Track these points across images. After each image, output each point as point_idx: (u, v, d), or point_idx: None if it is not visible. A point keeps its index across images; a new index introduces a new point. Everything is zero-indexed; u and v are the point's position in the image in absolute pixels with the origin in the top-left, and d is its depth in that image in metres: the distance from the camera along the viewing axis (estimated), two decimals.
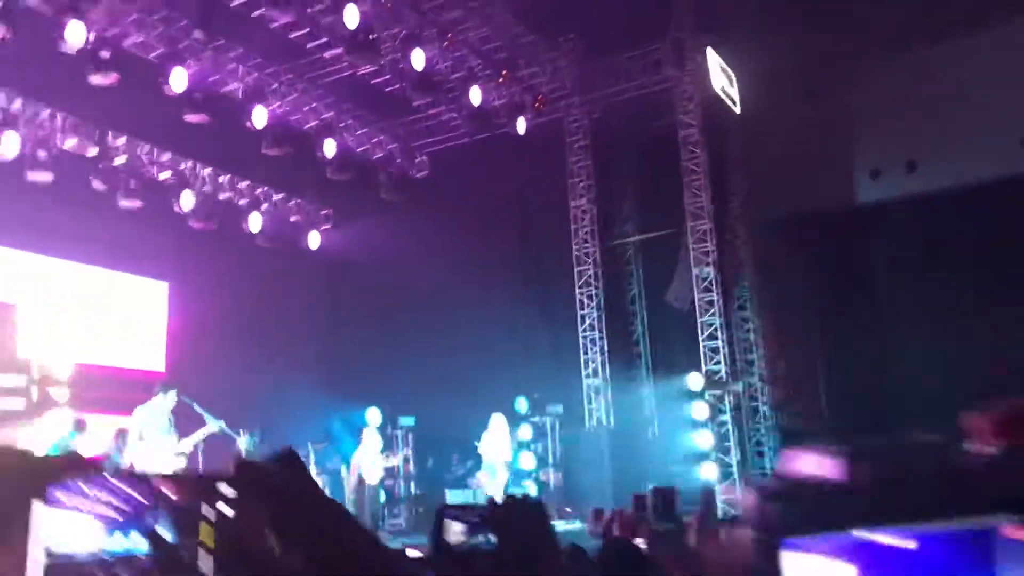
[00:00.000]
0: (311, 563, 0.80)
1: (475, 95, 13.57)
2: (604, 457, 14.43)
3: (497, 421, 12.62)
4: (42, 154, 12.35)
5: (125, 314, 14.99)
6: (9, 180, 12.11)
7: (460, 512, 1.49)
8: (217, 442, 10.30)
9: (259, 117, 12.71)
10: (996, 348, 13.62)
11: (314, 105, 13.96)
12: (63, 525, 0.77)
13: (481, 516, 1.45)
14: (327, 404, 15.12)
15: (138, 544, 0.79)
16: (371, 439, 12.88)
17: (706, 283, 14.84)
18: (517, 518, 1.40)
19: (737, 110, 15.51)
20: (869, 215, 15.90)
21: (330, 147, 14.18)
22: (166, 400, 9.19)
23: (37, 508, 0.75)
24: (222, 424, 9.84)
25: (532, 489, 14.65)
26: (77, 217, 13.58)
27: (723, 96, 15.11)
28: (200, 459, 10.14)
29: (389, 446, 14.39)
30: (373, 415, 15.15)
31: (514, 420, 14.75)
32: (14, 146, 11.94)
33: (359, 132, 15.01)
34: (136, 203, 13.41)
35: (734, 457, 14.42)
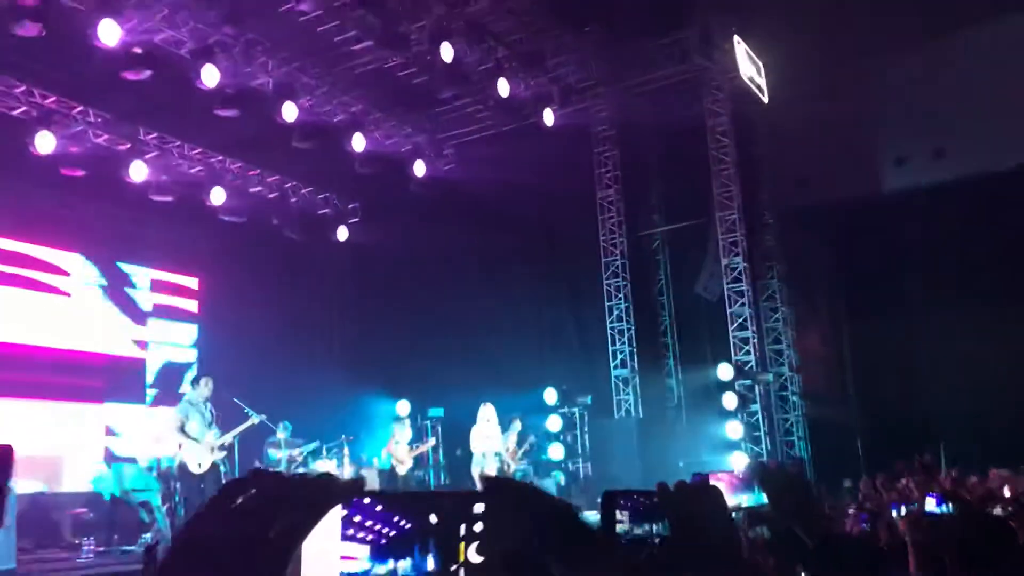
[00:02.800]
0: (573, 569, 0.82)
1: (503, 87, 13.57)
2: (633, 447, 14.46)
3: (486, 412, 12.36)
4: (75, 150, 12.48)
5: (156, 309, 15.12)
6: (44, 176, 12.24)
7: (627, 498, 1.44)
8: (256, 434, 10.39)
9: (289, 112, 12.77)
10: (1022, 335, 13.55)
11: (343, 99, 14.00)
12: (330, 552, 0.79)
13: (651, 502, 1.41)
14: (357, 396, 15.21)
15: (402, 568, 0.80)
16: (401, 430, 12.95)
17: (735, 273, 14.80)
18: (692, 504, 1.32)
19: (765, 99, 15.45)
20: (896, 203, 15.82)
21: (358, 141, 14.22)
22: (204, 390, 9.25)
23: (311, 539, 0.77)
24: (263, 417, 9.92)
25: (561, 480, 14.70)
26: (108, 212, 13.72)
27: (751, 85, 15.05)
28: (236, 451, 10.24)
29: (418, 437, 14.45)
30: (403, 407, 15.25)
31: (543, 411, 14.79)
32: (49, 143, 12.06)
33: (387, 125, 15.04)
34: (167, 198, 13.52)
35: (764, 447, 14.40)
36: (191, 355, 15.28)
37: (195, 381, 9.44)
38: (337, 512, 0.78)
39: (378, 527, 0.78)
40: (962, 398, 14.00)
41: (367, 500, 0.79)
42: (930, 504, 5.50)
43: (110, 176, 12.86)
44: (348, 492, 0.79)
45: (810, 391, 15.67)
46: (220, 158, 14.46)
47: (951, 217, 14.81)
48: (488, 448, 12.16)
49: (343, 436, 12.76)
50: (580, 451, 15.26)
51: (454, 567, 0.78)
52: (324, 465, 12.29)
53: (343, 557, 0.79)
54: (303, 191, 15.93)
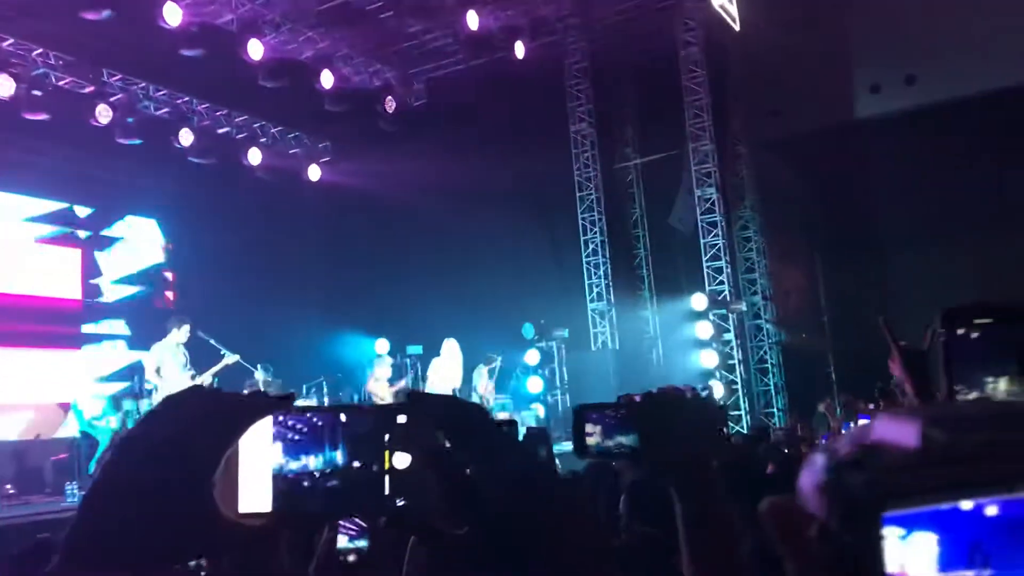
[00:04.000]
0: (482, 464, 0.86)
1: (472, 20, 13.38)
2: (610, 379, 14.63)
3: (449, 347, 12.19)
4: (37, 93, 12.24)
5: (127, 251, 15.02)
6: (6, 120, 12.02)
7: (597, 411, 1.47)
8: (234, 376, 10.42)
9: (255, 49, 12.54)
10: (996, 263, 13.73)
11: (309, 35, 13.76)
12: (256, 451, 0.84)
13: (619, 415, 1.44)
14: (335, 335, 15.27)
15: (312, 463, 0.85)
16: (381, 368, 13.02)
17: (708, 204, 14.85)
18: (659, 415, 1.35)
19: (736, 28, 15.32)
20: (869, 131, 15.85)
21: (327, 78, 14.01)
22: (180, 334, 9.25)
23: (242, 442, 0.83)
24: (238, 357, 9.94)
25: (540, 412, 14.90)
26: (73, 157, 13.51)
27: (722, 13, 14.90)
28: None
29: (398, 375, 14.56)
30: (382, 345, 15.30)
31: (521, 345, 14.91)
32: (9, 87, 11.81)
33: (355, 62, 14.82)
34: (134, 141, 13.32)
35: (739, 375, 14.63)
36: (165, 298, 15.23)
37: (171, 325, 9.43)
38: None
39: (295, 426, 0.83)
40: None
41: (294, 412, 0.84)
42: None
43: (74, 120, 12.63)
44: (277, 405, 0.83)
45: (783, 319, 15.88)
46: (186, 99, 14.23)
47: (924, 143, 14.87)
48: (444, 385, 11.94)
49: (323, 376, 12.84)
50: (558, 384, 15.45)
51: (376, 468, 0.83)
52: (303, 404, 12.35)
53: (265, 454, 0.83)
54: (272, 131, 15.74)
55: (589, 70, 15.72)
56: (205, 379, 9.48)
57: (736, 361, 14.72)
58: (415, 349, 15.32)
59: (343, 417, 0.85)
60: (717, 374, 14.53)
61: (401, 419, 0.85)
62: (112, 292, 14.79)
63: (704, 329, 14.71)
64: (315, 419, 0.84)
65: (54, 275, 13.93)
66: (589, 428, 1.45)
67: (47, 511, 8.53)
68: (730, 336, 14.78)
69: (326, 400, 12.51)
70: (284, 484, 0.83)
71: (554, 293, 15.92)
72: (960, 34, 14.88)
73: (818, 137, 15.81)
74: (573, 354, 15.47)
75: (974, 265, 13.85)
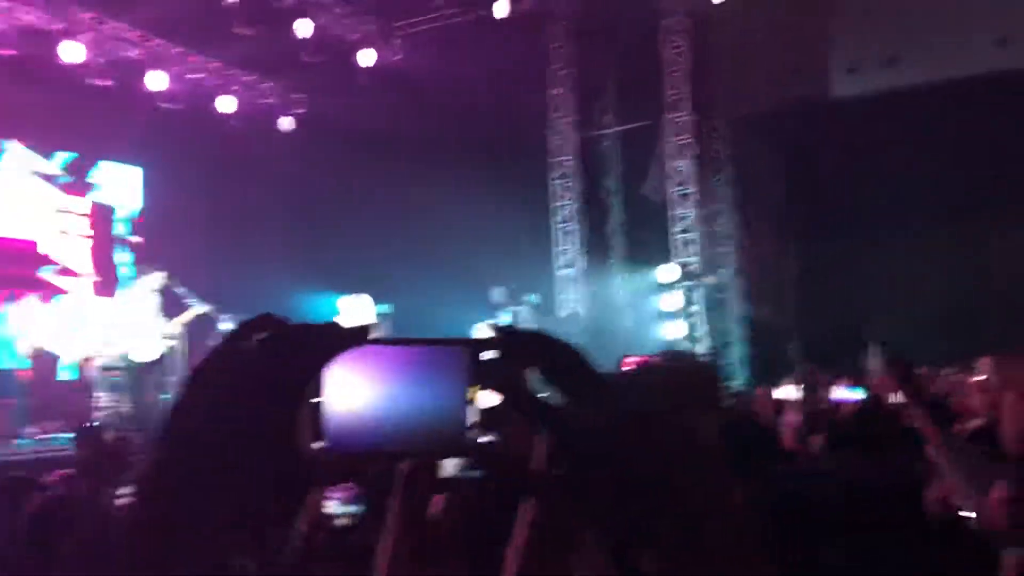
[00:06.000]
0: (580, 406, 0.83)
1: None
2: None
3: (360, 302, 12.02)
4: (2, 27, 11.87)
5: (96, 198, 14.69)
6: None
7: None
8: (202, 328, 10.31)
9: None
10: (966, 250, 13.96)
11: None
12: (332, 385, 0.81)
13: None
14: (303, 291, 15.10)
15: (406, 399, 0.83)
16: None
17: (682, 176, 14.88)
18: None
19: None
20: (846, 110, 15.93)
21: (304, 27, 13.76)
22: (153, 282, 9.12)
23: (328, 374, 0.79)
24: (209, 308, 9.83)
25: None
26: (40, 97, 13.14)
27: None
28: (187, 342, 10.15)
29: None
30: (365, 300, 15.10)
31: (490, 309, 14.88)
32: None
33: (335, 12, 14.54)
34: (105, 82, 12.99)
35: (704, 347, 14.77)
36: (134, 244, 14.94)
37: (145, 273, 9.28)
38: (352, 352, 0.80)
39: (373, 360, 0.80)
40: (900, 306, 14.44)
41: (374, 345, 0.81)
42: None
43: (42, 58, 12.27)
44: (355, 336, 0.80)
45: (751, 294, 16.01)
46: (159, 42, 13.88)
47: (901, 126, 14.99)
48: None
49: None
50: None
51: (459, 404, 0.80)
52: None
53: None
54: (245, 78, 15.43)
55: (570, 34, 15.59)
56: (175, 327, 9.37)
57: (701, 334, 14.86)
58: (383, 307, 15.24)
59: (423, 352, 0.82)
60: (684, 345, 14.65)
61: (489, 355, 0.81)
62: (78, 236, 14.46)
63: (672, 300, 14.81)
64: (394, 352, 0.81)
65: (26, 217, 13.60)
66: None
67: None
68: (697, 308, 14.90)
69: None
70: (358, 422, 0.79)
71: (525, 258, 15.90)
72: (942, 17, 14.97)
73: (795, 114, 15.87)
74: (541, 320, 15.48)
75: (944, 251, 14.06)
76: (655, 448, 0.80)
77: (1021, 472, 3.03)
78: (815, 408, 6.42)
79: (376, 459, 0.91)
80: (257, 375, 0.73)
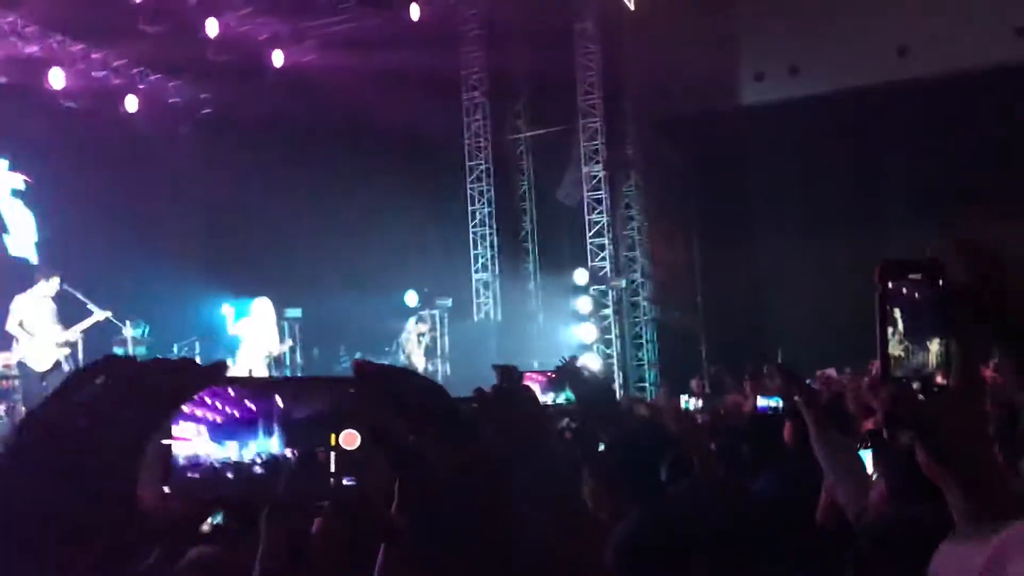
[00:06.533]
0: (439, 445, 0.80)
1: None
2: (492, 349, 14.73)
3: (261, 306, 11.53)
4: None
5: None
6: None
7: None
8: (101, 333, 9.99)
9: None
10: (865, 255, 14.43)
11: None
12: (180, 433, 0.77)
13: (470, 408, 1.45)
14: (211, 295, 14.77)
15: (246, 454, 0.78)
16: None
17: (595, 181, 15.06)
18: (506, 407, 1.39)
19: (631, 6, 15.49)
20: (752, 118, 16.35)
21: (212, 26, 13.46)
22: (48, 287, 8.80)
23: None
24: (109, 314, 9.53)
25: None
26: None
27: None
28: (81, 350, 9.81)
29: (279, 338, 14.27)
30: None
31: (403, 313, 14.80)
32: None
33: (244, 11, 14.26)
34: (1, 79, 12.50)
35: (615, 349, 14.98)
36: (29, 248, 14.40)
37: (39, 276, 8.95)
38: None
39: (223, 407, 0.76)
40: (802, 309, 14.86)
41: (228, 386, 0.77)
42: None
43: None
44: (211, 378, 0.76)
45: (660, 297, 16.30)
46: (60, 38, 13.41)
47: (803, 133, 15.45)
48: (257, 349, 11.45)
49: (195, 337, 12.45)
50: (439, 353, 15.43)
51: (321, 449, 0.77)
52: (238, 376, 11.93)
53: (175, 438, 0.76)
54: (151, 77, 15.01)
55: (484, 38, 15.63)
56: (73, 335, 9.06)
57: (613, 336, 15.06)
58: (294, 312, 15.02)
59: (279, 400, 0.78)
60: (595, 348, 14.83)
61: (350, 394, 0.78)
62: None
63: (584, 304, 14.98)
64: (248, 402, 0.77)
65: None
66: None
67: None
68: (608, 311, 15.10)
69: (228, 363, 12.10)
70: (211, 471, 0.76)
71: (439, 262, 15.87)
72: (842, 28, 15.48)
73: (703, 120, 16.23)
74: (456, 324, 15.48)
75: (842, 255, 14.51)
76: (495, 495, 0.79)
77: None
78: (715, 414, 6.55)
79: (228, 507, 0.86)
80: (93, 425, 0.68)
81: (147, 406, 0.71)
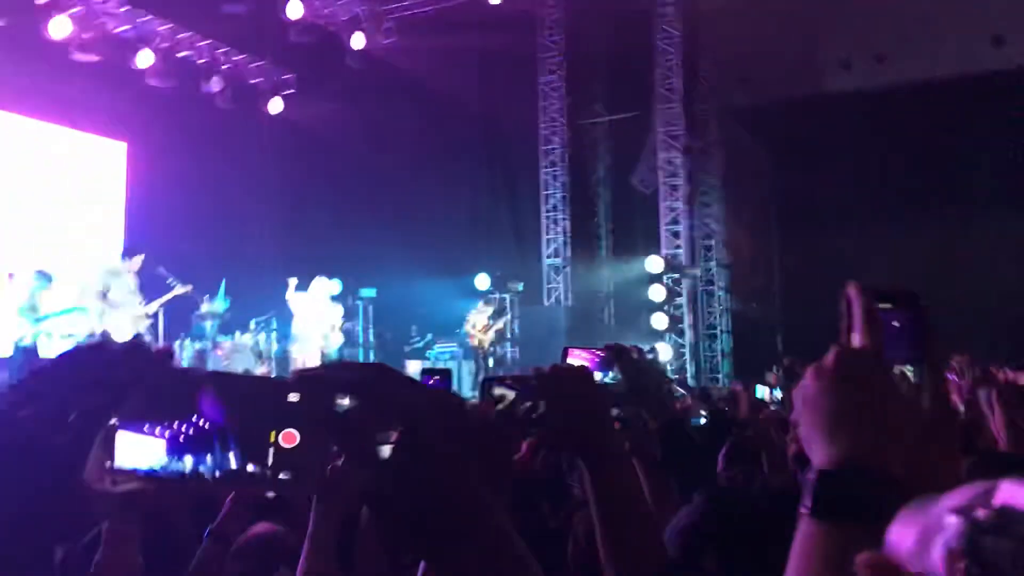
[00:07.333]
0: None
1: None
2: (561, 334, 14.66)
3: (317, 286, 11.57)
4: None
5: (81, 174, 14.59)
6: None
7: (505, 382, 1.47)
8: (182, 307, 10.27)
9: None
10: (949, 248, 13.97)
11: None
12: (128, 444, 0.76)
13: (528, 384, 1.44)
14: (288, 273, 15.05)
15: (198, 464, 0.77)
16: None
17: (672, 168, 14.85)
18: (566, 386, 1.39)
19: None
20: (836, 105, 15.91)
21: (294, 8, 13.66)
22: (132, 263, 9.07)
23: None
24: (189, 289, 9.79)
25: (491, 363, 14.92)
26: (26, 69, 13.02)
27: None
28: (162, 322, 10.11)
29: (349, 317, 14.49)
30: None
31: (474, 295, 14.86)
32: None
33: None
34: (92, 57, 12.87)
35: (688, 339, 14.78)
36: (117, 222, 14.86)
37: (125, 253, 9.23)
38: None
39: (173, 432, 0.75)
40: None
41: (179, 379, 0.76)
42: None
43: (30, 30, 12.15)
44: (154, 364, 0.75)
45: (736, 287, 16.02)
46: (148, 18, 13.76)
47: (888, 123, 14.98)
48: (308, 329, 11.53)
49: (272, 311, 12.68)
50: (509, 336, 15.44)
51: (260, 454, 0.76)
52: (248, 340, 12.26)
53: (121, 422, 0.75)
54: (235, 58, 15.31)
55: (563, 22, 15.53)
56: (153, 308, 9.33)
57: (686, 325, 14.86)
58: (368, 292, 15.22)
59: (228, 388, 0.78)
60: (667, 337, 14.66)
61: (292, 397, 0.77)
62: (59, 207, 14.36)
63: (657, 292, 14.80)
64: (200, 423, 0.77)
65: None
66: (499, 392, 1.44)
67: None
68: (682, 300, 14.90)
69: (274, 336, 12.36)
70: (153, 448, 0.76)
71: (511, 246, 15.88)
72: (933, 16, 14.94)
73: (785, 108, 15.84)
74: (525, 308, 15.48)
75: (927, 248, 14.07)
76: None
77: None
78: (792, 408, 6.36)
79: (169, 487, 0.85)
80: (38, 416, 0.69)
81: (95, 394, 0.71)
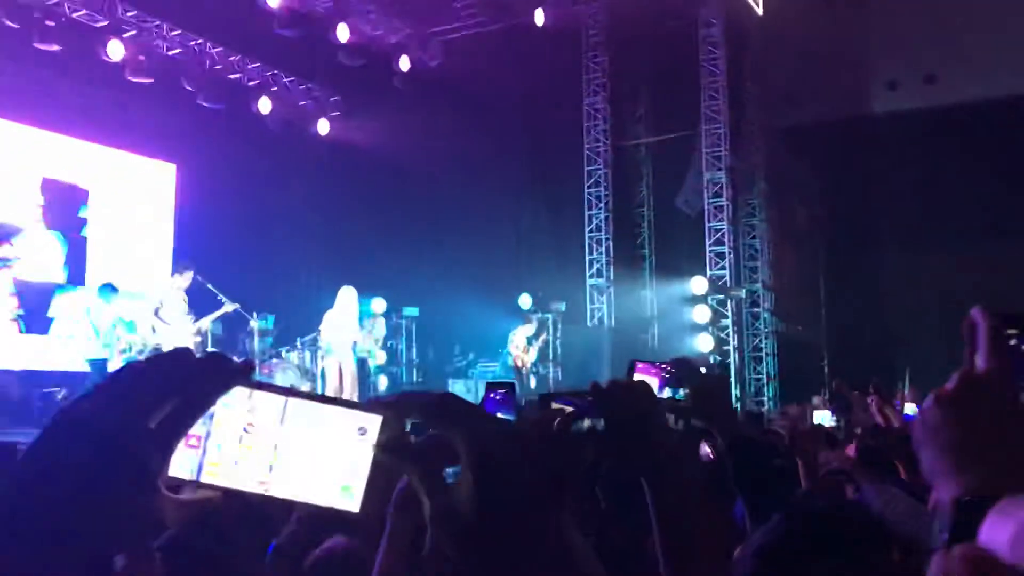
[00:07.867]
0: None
1: None
2: (604, 355, 14.62)
3: (344, 297, 11.28)
4: (51, 23, 12.06)
5: (131, 194, 14.87)
6: (15, 50, 11.85)
7: (564, 398, 1.45)
8: (231, 324, 10.39)
9: None
10: (997, 272, 13.72)
11: None
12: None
13: (586, 400, 1.41)
14: (333, 292, 15.19)
15: None
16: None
17: (716, 188, 14.78)
18: (625, 402, 1.35)
19: (759, 11, 15.17)
20: (883, 127, 15.78)
21: (343, 31, 13.86)
22: (183, 279, 9.23)
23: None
24: (237, 306, 9.92)
25: (532, 382, 14.91)
26: (83, 91, 13.34)
27: None
28: (211, 339, 10.25)
29: (393, 335, 14.57)
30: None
31: (517, 315, 14.86)
32: (21, 16, 11.64)
33: (373, 17, 14.63)
34: (146, 79, 13.16)
35: (733, 361, 14.64)
36: (166, 240, 15.11)
37: (176, 270, 9.39)
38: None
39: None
40: (931, 327, 14.21)
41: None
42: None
43: (86, 53, 12.47)
44: (237, 376, 0.76)
45: (781, 309, 15.87)
46: (200, 40, 14.05)
47: (936, 145, 14.80)
48: (338, 338, 11.40)
49: (319, 330, 12.76)
50: (551, 356, 15.42)
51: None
52: (295, 358, 12.38)
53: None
54: (284, 80, 15.57)
55: (607, 43, 15.57)
56: (203, 324, 9.47)
57: (731, 347, 14.73)
58: (411, 311, 15.30)
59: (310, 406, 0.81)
60: (711, 359, 14.53)
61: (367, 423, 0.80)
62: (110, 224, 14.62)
63: (702, 313, 14.70)
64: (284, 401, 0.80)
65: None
66: (557, 407, 1.41)
67: None
68: (727, 322, 14.78)
69: (320, 355, 12.45)
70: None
71: (554, 266, 15.88)
72: (983, 37, 14.77)
73: (832, 129, 15.73)
74: (568, 328, 15.44)
75: (973, 271, 13.83)
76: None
77: None
78: (851, 432, 6.25)
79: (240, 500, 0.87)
80: (124, 419, 0.69)
81: (179, 399, 0.71)
